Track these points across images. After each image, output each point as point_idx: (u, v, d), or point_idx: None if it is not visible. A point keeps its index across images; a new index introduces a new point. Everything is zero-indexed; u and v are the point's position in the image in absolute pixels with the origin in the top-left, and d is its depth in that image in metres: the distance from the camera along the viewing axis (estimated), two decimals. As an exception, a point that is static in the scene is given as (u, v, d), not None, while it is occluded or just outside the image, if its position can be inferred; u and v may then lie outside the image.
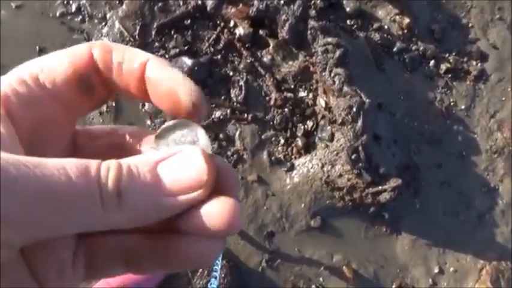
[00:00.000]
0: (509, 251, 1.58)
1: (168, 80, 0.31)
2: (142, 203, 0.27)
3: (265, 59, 1.55)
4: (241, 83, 1.53)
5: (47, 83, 0.30)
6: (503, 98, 1.70)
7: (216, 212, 0.29)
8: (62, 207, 0.24)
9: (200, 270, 1.40)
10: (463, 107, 1.67)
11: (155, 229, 0.31)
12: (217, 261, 1.28)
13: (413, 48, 1.67)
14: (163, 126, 0.32)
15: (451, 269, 1.56)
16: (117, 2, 1.55)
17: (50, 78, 0.30)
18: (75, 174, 0.25)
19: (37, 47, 1.49)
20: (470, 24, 1.74)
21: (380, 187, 1.38)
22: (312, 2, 1.61)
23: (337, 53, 1.40)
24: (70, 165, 0.25)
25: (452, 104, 1.66)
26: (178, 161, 0.29)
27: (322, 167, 1.45)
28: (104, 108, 1.49)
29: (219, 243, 0.30)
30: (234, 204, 0.29)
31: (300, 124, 1.53)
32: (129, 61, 0.31)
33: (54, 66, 0.30)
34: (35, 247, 0.27)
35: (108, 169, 0.26)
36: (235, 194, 0.31)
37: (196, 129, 0.31)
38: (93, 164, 0.26)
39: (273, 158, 1.51)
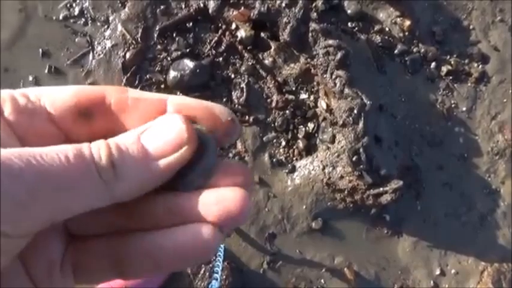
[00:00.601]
0: (511, 252, 1.58)
1: (197, 104, 0.32)
2: (135, 171, 0.29)
3: (266, 61, 1.56)
4: (243, 85, 1.54)
5: (47, 105, 0.31)
6: (505, 100, 1.70)
7: (229, 196, 0.30)
8: (67, 188, 0.27)
9: (201, 271, 1.40)
10: (464, 108, 1.67)
11: (148, 227, 0.31)
12: (219, 263, 1.29)
13: (415, 50, 1.68)
14: None
15: (453, 270, 1.56)
16: (120, 5, 1.56)
17: (51, 102, 0.32)
18: (72, 157, 0.27)
19: (40, 50, 1.50)
20: (471, 26, 1.74)
21: (381, 189, 1.38)
22: (313, 4, 1.61)
23: (338, 55, 1.40)
24: (66, 150, 0.28)
25: (453, 105, 1.67)
26: (158, 127, 0.31)
27: (324, 168, 1.46)
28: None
29: (219, 233, 0.31)
30: (245, 193, 0.31)
31: (301, 126, 1.54)
32: (148, 97, 0.33)
33: (59, 92, 0.32)
34: (27, 247, 0.28)
35: (99, 148, 0.29)
36: (247, 187, 0.32)
37: (197, 130, 0.32)
38: (84, 145, 0.29)
39: (274, 159, 1.52)
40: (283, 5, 1.45)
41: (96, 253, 0.32)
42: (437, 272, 1.55)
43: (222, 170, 0.32)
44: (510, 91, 1.71)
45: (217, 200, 0.30)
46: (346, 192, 1.43)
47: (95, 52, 1.53)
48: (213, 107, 0.33)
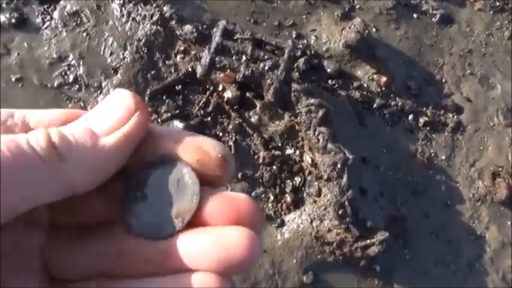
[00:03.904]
0: (502, 299, 1.59)
1: (183, 136, 0.30)
2: (79, 148, 0.27)
3: (252, 120, 1.64)
4: (231, 143, 1.60)
5: (31, 123, 0.31)
6: (481, 147, 1.78)
7: (231, 238, 0.26)
8: (9, 180, 0.25)
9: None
10: (443, 157, 1.74)
11: (132, 274, 0.28)
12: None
13: (392, 104, 1.78)
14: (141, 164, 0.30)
15: (446, 320, 1.56)
16: (112, 71, 1.65)
17: (37, 120, 0.31)
18: (6, 150, 0.25)
19: (35, 116, 1.56)
20: (443, 80, 1.86)
21: (368, 241, 1.41)
22: (295, 64, 1.72)
23: (320, 113, 1.49)
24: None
25: (433, 154, 1.74)
26: (101, 105, 0.29)
27: (311, 222, 1.49)
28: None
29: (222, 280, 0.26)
30: (252, 233, 0.26)
31: (288, 180, 1.59)
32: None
33: (46, 113, 0.32)
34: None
35: (37, 133, 0.27)
36: (255, 226, 0.27)
37: (178, 165, 0.29)
38: (21, 136, 0.27)
39: (263, 214, 1.55)
40: (266, 68, 1.56)
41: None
42: (431, 322, 1.55)
43: (221, 204, 0.27)
44: (485, 139, 1.80)
45: (215, 243, 0.26)
46: (334, 245, 1.46)
47: (88, 116, 1.60)
48: (201, 141, 0.29)
